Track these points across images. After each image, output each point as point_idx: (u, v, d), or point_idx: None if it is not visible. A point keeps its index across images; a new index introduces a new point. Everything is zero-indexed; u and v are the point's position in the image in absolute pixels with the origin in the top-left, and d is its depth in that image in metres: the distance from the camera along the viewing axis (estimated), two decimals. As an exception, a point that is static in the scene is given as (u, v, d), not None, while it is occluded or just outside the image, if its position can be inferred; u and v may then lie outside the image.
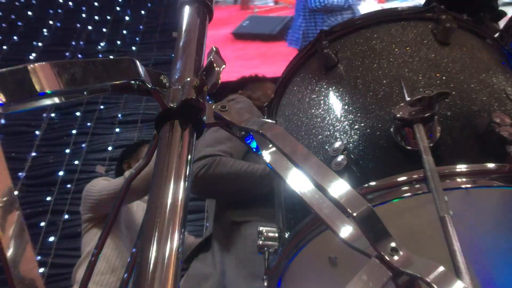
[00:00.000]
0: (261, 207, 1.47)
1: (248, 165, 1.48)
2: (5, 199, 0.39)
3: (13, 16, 4.41)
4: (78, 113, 3.44)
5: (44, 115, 3.39)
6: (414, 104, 0.65)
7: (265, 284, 0.78)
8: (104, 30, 4.32)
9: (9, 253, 0.38)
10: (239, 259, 1.41)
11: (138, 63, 0.52)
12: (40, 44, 4.11)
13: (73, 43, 4.13)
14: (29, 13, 4.48)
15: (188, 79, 0.55)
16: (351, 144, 0.71)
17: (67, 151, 3.17)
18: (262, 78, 2.14)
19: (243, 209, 1.53)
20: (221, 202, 1.62)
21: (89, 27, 4.34)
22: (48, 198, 2.87)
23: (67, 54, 4.00)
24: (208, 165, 1.47)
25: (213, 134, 1.59)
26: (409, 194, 0.63)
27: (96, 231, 2.01)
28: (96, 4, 4.65)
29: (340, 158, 0.67)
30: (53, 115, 3.43)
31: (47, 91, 0.43)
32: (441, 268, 0.43)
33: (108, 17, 4.47)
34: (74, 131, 3.31)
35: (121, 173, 2.26)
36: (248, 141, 0.60)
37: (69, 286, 2.33)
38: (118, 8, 4.59)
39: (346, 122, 0.74)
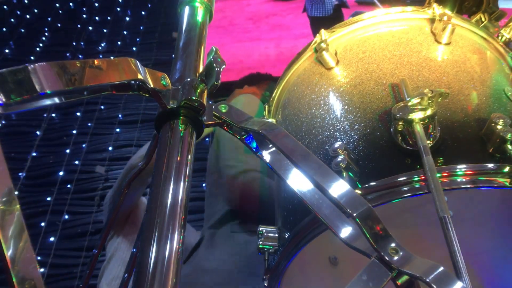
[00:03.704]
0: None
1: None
2: (5, 199, 0.39)
3: (13, 17, 4.41)
4: (78, 113, 3.44)
5: (44, 115, 3.39)
6: (414, 104, 0.65)
7: (265, 284, 0.78)
8: (104, 30, 4.32)
9: (9, 253, 0.38)
10: (230, 254, 1.42)
11: (138, 63, 0.53)
12: (40, 44, 4.11)
13: (73, 43, 4.13)
14: (29, 13, 4.48)
15: (188, 79, 0.55)
16: (351, 144, 0.71)
17: (67, 151, 3.16)
18: (268, 76, 2.17)
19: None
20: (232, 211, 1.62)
21: (90, 28, 4.34)
22: (48, 198, 2.86)
23: (67, 54, 4.00)
24: (257, 180, 1.48)
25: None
26: (409, 194, 0.63)
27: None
28: (96, 4, 4.65)
29: (340, 158, 0.67)
30: (53, 115, 3.43)
31: (47, 91, 0.43)
32: (441, 268, 0.43)
33: (108, 18, 4.47)
34: (74, 131, 3.31)
35: None
36: (248, 141, 0.60)
37: (69, 286, 2.33)
38: (118, 9, 4.59)
39: (346, 122, 0.74)
